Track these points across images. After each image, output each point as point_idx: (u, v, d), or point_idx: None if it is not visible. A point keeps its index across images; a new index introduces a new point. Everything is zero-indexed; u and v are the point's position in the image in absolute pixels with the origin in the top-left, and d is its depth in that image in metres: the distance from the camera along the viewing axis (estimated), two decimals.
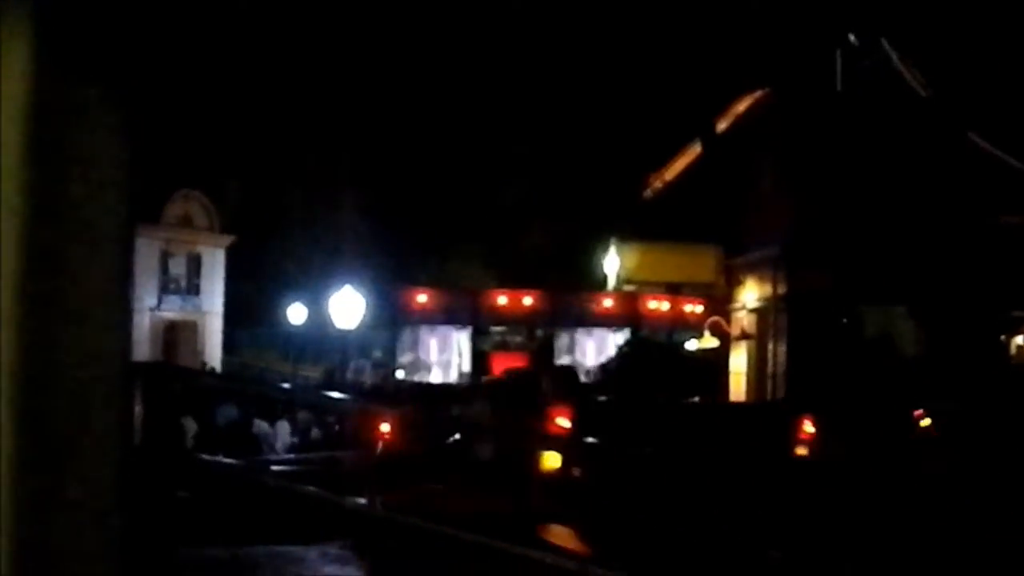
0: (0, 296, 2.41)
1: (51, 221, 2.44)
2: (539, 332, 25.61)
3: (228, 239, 44.48)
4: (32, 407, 2.49)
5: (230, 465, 8.83)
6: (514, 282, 27.13)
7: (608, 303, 26.20)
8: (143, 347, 35.85)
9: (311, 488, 6.36)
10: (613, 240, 30.15)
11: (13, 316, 2.43)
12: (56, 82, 2.44)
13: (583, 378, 21.13)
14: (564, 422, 10.07)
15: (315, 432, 18.61)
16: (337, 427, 17.86)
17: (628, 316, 26.48)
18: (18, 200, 2.41)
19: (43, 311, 2.46)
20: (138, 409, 4.71)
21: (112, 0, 2.55)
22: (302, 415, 18.55)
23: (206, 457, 9.51)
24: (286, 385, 25.93)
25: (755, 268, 28.11)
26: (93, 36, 2.49)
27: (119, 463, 2.67)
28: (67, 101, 2.45)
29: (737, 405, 23.01)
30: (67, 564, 2.61)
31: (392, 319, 24.22)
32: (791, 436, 12.23)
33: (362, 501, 6.89)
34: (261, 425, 18.17)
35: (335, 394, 16.87)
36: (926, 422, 13.73)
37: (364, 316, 26.46)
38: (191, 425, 16.50)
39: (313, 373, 33.73)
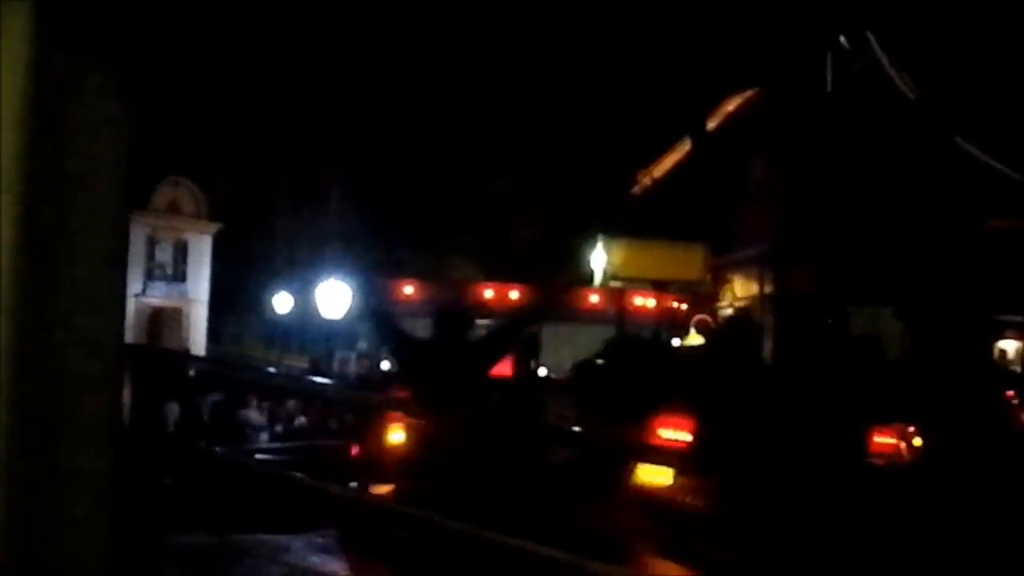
0: None
1: (48, 196, 2.42)
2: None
3: (215, 226, 44.29)
4: (25, 389, 2.46)
5: (215, 452, 8.78)
6: (501, 276, 27.07)
7: (594, 299, 26.16)
8: (128, 333, 35.69)
9: (297, 475, 6.33)
10: (601, 236, 30.17)
11: (7, 293, 2.40)
12: (56, 57, 2.41)
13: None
14: (677, 434, 8.03)
15: (300, 420, 18.53)
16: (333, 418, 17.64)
17: (614, 312, 26.40)
18: (15, 175, 2.38)
19: (38, 289, 2.43)
20: (126, 392, 4.68)
21: None
22: (290, 403, 18.47)
23: (191, 443, 9.42)
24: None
25: (742, 267, 28.19)
26: (94, 11, 2.46)
27: (111, 447, 2.64)
28: (67, 76, 2.42)
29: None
30: (57, 549, 2.58)
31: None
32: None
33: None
34: (245, 412, 18.11)
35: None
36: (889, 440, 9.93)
37: (350, 306, 26.39)
38: (174, 411, 16.43)
39: (299, 363, 33.68)
